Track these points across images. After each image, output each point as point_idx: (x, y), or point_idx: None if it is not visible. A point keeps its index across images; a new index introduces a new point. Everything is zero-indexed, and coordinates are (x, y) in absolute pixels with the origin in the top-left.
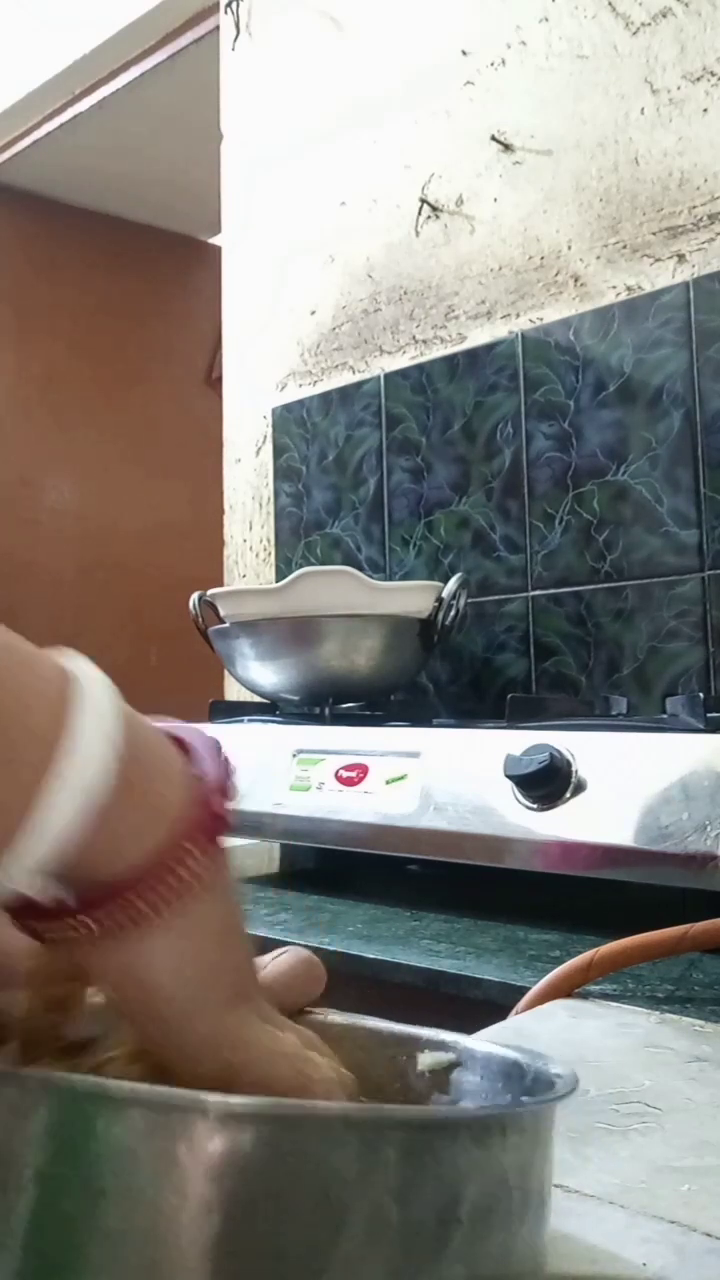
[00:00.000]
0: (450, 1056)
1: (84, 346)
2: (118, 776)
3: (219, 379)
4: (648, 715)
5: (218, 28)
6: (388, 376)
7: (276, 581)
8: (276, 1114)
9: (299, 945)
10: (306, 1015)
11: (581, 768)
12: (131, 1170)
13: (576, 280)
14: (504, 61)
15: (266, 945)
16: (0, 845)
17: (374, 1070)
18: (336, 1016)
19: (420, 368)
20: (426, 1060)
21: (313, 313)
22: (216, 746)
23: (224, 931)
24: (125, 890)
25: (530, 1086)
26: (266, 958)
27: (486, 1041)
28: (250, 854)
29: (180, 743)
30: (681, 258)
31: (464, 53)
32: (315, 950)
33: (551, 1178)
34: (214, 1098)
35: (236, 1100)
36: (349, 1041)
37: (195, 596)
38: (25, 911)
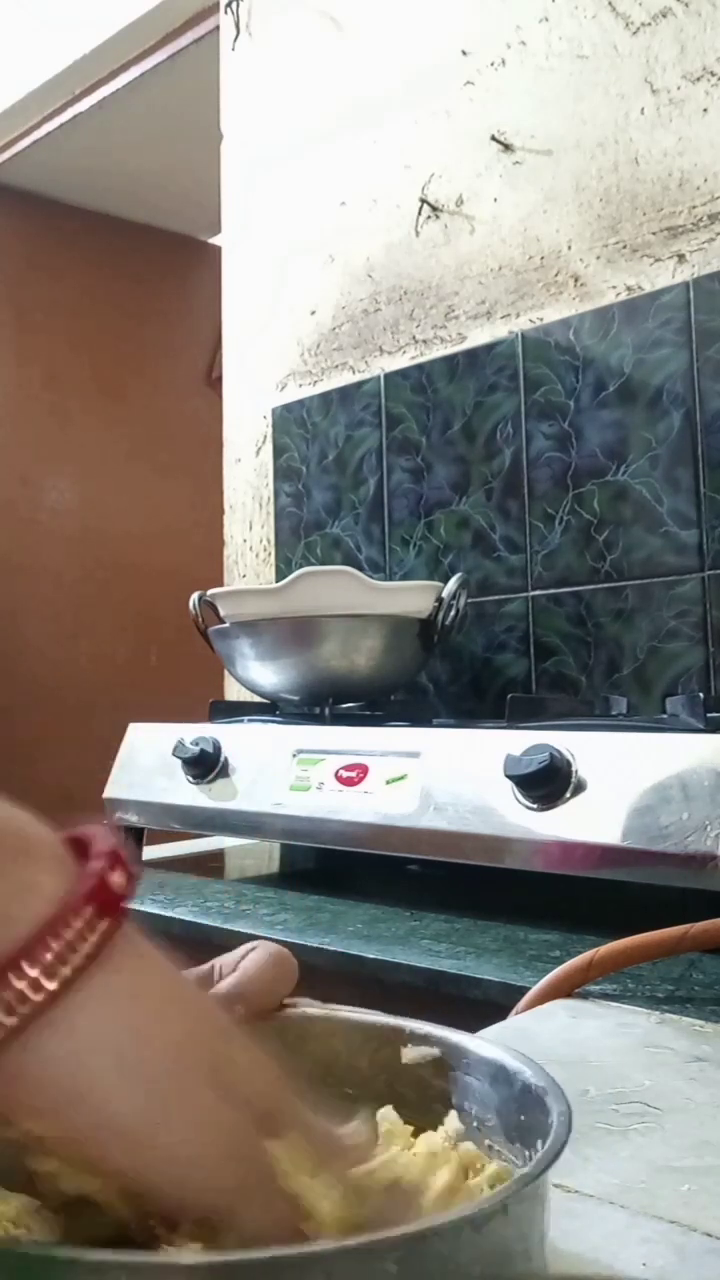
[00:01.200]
0: (435, 1051)
1: (84, 346)
2: None
3: (219, 379)
4: (648, 715)
5: (218, 28)
6: (388, 376)
7: (276, 581)
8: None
9: (270, 939)
10: (284, 1009)
11: (581, 768)
12: None
13: (576, 280)
14: (504, 61)
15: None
16: None
17: (358, 1063)
18: (314, 1009)
19: (420, 368)
20: (410, 1055)
21: (313, 313)
22: (115, 842)
23: (178, 1008)
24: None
25: (519, 1096)
26: (236, 954)
27: (468, 1035)
28: (250, 854)
29: (77, 841)
30: (681, 258)
31: (464, 53)
32: (316, 950)
33: (549, 1220)
34: (186, 1256)
35: (200, 1258)
36: (329, 1034)
37: (195, 596)
38: None
